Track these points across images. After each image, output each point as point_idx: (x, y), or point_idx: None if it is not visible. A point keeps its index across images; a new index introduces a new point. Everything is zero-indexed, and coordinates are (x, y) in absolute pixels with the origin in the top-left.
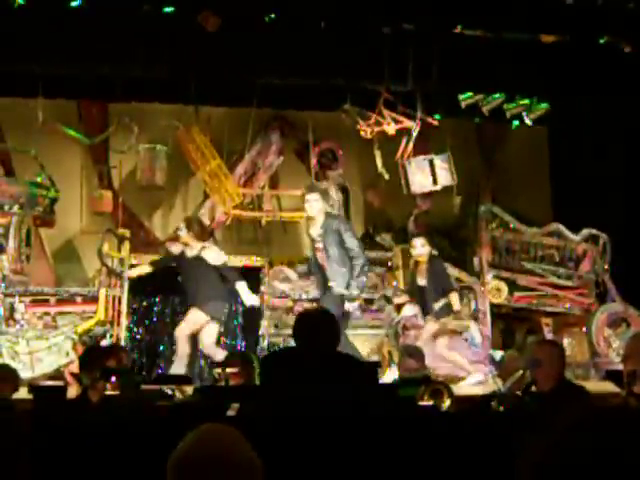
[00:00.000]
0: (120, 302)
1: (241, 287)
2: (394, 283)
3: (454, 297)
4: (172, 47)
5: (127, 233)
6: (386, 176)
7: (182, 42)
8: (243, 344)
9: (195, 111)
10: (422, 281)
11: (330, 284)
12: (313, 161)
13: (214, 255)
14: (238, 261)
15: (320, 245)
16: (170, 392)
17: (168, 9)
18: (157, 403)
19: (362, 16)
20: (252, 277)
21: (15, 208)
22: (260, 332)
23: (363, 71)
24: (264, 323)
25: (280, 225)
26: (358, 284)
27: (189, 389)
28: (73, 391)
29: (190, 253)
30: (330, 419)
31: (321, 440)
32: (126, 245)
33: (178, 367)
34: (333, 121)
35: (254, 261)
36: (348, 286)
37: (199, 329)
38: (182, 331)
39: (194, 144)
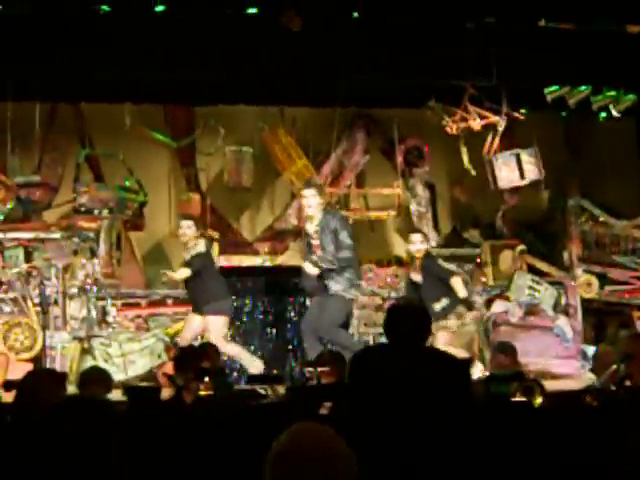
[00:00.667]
0: None
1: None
2: (483, 279)
3: (457, 284)
4: (256, 48)
5: (216, 235)
6: (473, 172)
7: (266, 43)
8: None
9: (280, 112)
10: (416, 277)
11: (326, 282)
12: (399, 159)
13: (196, 248)
14: None
15: (317, 242)
16: (263, 392)
17: (251, 10)
18: (250, 403)
19: (445, 12)
20: None
21: (105, 213)
22: (349, 330)
23: (447, 67)
24: (354, 321)
25: (367, 224)
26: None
27: (281, 388)
28: (167, 392)
29: (188, 254)
30: (421, 417)
31: (412, 437)
32: (215, 247)
33: (257, 367)
34: (418, 118)
35: None
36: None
37: (225, 330)
38: (221, 344)
39: (280, 145)
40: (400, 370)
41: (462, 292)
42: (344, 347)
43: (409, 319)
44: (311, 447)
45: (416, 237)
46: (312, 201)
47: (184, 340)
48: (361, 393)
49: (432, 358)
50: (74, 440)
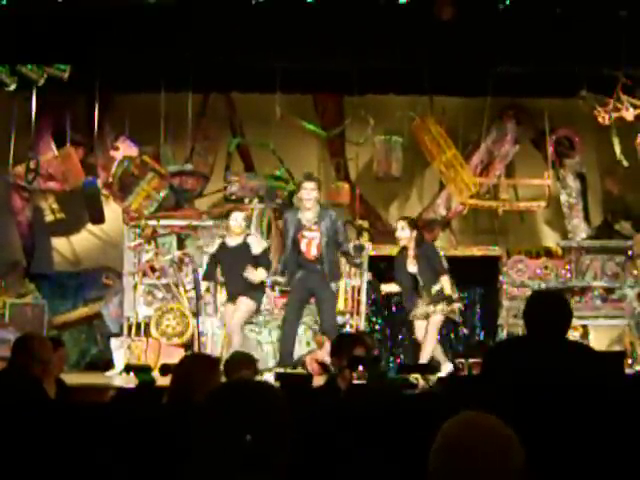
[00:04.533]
0: (359, 292)
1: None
2: (634, 272)
3: (445, 281)
4: (407, 38)
5: (365, 224)
6: (625, 163)
7: (417, 32)
8: (481, 334)
9: (430, 101)
10: (412, 268)
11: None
12: (550, 149)
13: (257, 243)
14: (475, 250)
15: (313, 235)
16: (415, 381)
17: (402, 0)
18: (403, 392)
19: (598, 0)
20: (490, 267)
21: (255, 201)
22: (499, 322)
23: (600, 56)
24: (503, 313)
25: (517, 214)
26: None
27: (433, 378)
28: (319, 380)
29: (233, 242)
30: (568, 415)
31: (555, 436)
32: (364, 236)
33: None
34: (570, 108)
35: (491, 251)
36: None
37: (247, 318)
38: (238, 323)
39: (429, 134)
40: (541, 364)
41: (448, 290)
42: None
43: (550, 307)
44: (484, 436)
45: (398, 224)
46: (312, 194)
47: (238, 325)
48: (494, 387)
49: (577, 352)
50: (236, 424)
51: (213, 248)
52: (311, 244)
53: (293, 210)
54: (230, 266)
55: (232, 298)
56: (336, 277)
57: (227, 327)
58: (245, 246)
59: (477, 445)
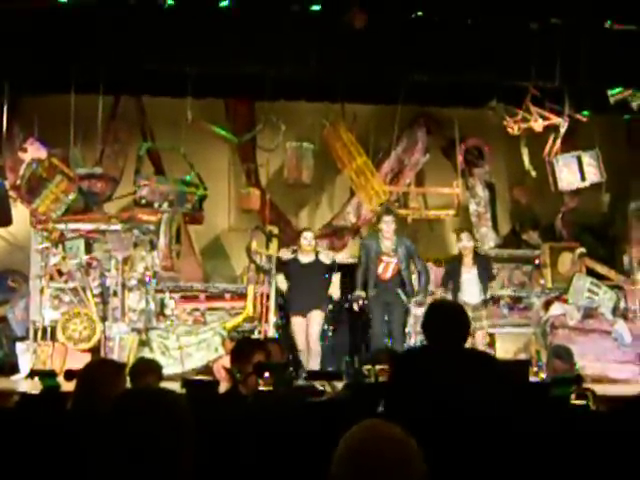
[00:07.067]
0: (268, 299)
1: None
2: (541, 281)
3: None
4: (319, 45)
5: (275, 230)
6: (533, 173)
7: (328, 40)
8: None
9: (342, 109)
10: (467, 275)
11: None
12: (459, 158)
13: (326, 255)
14: None
15: (391, 260)
16: (321, 388)
17: (315, 8)
18: (308, 399)
19: (509, 12)
20: None
21: (165, 206)
22: (407, 330)
23: (510, 67)
24: (411, 320)
25: (426, 223)
26: None
27: (339, 385)
28: (225, 386)
29: (305, 259)
30: (474, 420)
31: (464, 442)
32: (274, 242)
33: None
34: (479, 118)
35: None
36: None
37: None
38: (317, 336)
39: (340, 142)
40: (448, 372)
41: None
42: None
43: (448, 317)
44: (386, 444)
45: (464, 235)
46: (392, 226)
47: (315, 336)
48: (404, 395)
49: (477, 360)
50: (140, 431)
51: (286, 256)
52: (388, 268)
53: (373, 237)
54: (301, 281)
55: (301, 311)
56: (411, 294)
57: (298, 337)
58: (317, 262)
59: (378, 453)
